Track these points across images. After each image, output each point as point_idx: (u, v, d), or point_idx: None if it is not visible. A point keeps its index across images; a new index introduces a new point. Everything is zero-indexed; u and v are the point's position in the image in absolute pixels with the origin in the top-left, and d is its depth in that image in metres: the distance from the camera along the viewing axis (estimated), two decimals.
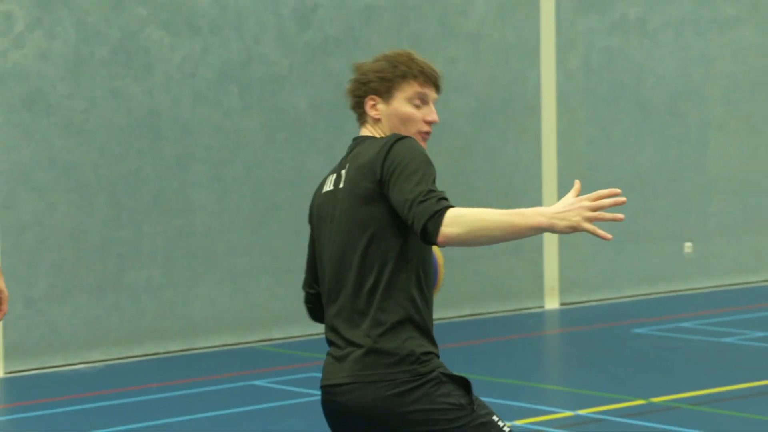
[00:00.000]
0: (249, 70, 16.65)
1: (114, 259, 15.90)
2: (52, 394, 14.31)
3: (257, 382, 14.58)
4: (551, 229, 5.55)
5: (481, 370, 14.88)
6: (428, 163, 5.79)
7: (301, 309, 15.46)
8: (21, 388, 14.93)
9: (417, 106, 6.11)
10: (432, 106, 6.14)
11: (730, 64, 20.33)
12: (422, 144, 6.09)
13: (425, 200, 5.58)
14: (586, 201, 5.51)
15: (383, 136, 6.12)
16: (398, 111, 6.07)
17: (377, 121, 6.13)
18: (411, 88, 6.09)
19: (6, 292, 8.09)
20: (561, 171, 18.69)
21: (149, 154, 16.14)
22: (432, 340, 5.94)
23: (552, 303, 19.18)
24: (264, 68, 16.64)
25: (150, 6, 15.98)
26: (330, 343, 5.93)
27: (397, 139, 5.85)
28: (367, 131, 6.17)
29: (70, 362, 15.56)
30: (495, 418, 5.90)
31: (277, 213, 17.13)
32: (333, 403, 5.87)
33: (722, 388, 13.78)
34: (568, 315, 19.40)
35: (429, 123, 6.11)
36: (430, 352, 5.86)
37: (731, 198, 20.41)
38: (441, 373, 5.81)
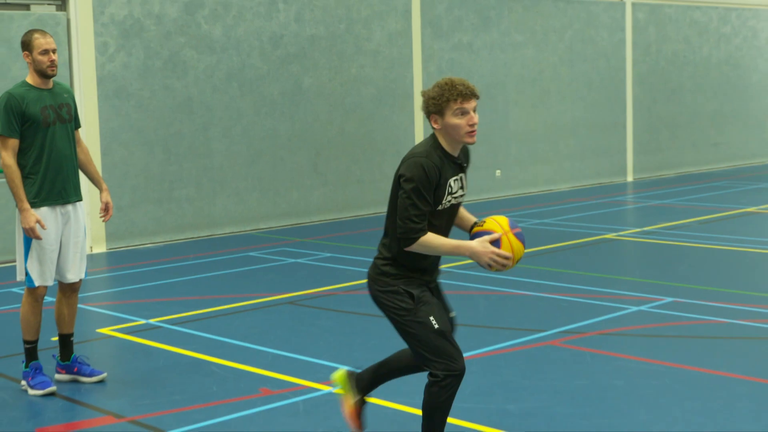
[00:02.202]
0: (243, 72, 17.47)
1: (167, 183, 16.61)
2: (135, 261, 14.86)
3: (252, 253, 15.11)
4: (471, 258, 6.09)
5: None
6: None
7: (276, 209, 16.61)
8: (117, 257, 15.31)
9: (461, 116, 6.16)
10: (472, 113, 6.17)
11: (519, 68, 21.89)
12: (472, 138, 6.17)
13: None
14: (493, 255, 6.04)
15: (445, 139, 6.23)
16: (449, 123, 6.17)
17: (439, 129, 6.24)
18: (454, 106, 6.15)
19: (112, 203, 8.38)
20: (426, 133, 19.67)
21: (186, 122, 16.75)
22: (409, 271, 6.27)
23: None
24: (252, 71, 17.56)
25: (186, 36, 16.71)
26: None
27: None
28: (437, 134, 6.29)
29: (143, 243, 16.33)
30: (431, 318, 6.19)
31: (262, 156, 17.71)
32: None
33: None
34: None
35: (471, 126, 6.17)
36: (399, 275, 6.24)
37: (522, 144, 22.03)
38: (401, 287, 6.25)
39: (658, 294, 11.61)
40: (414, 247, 6.12)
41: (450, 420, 7.20)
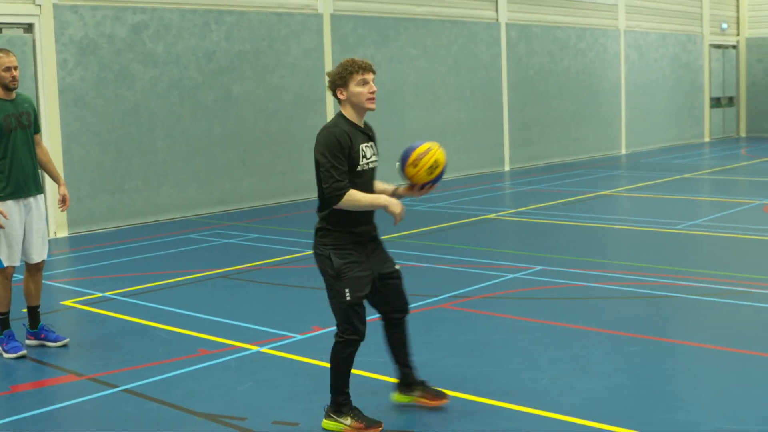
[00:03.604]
0: (182, 83, 17.28)
1: (119, 177, 16.34)
2: (92, 243, 14.56)
3: (191, 236, 14.96)
4: (386, 209, 6.13)
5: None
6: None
7: (211, 198, 16.65)
8: (77, 240, 15.00)
9: (363, 85, 6.17)
10: (371, 83, 6.19)
11: (414, 77, 21.92)
12: (372, 104, 6.15)
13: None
14: (403, 210, 6.16)
15: (350, 110, 6.20)
16: (353, 92, 6.16)
17: (345, 99, 6.21)
18: (357, 77, 6.18)
19: (68, 195, 8.84)
20: None
21: (134, 125, 16.47)
22: (342, 228, 6.22)
23: None
24: (190, 82, 17.37)
25: (134, 53, 16.45)
26: None
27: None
28: (342, 109, 6.26)
29: (99, 228, 16.00)
30: (345, 291, 6.19)
31: (199, 153, 17.47)
32: None
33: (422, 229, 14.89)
34: None
35: (371, 93, 6.19)
36: (333, 237, 6.23)
37: (417, 139, 22.44)
38: (331, 251, 6.22)
39: (530, 263, 11.77)
40: (341, 204, 6.08)
41: (357, 372, 7.29)
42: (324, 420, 6.44)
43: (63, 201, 8.77)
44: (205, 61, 17.83)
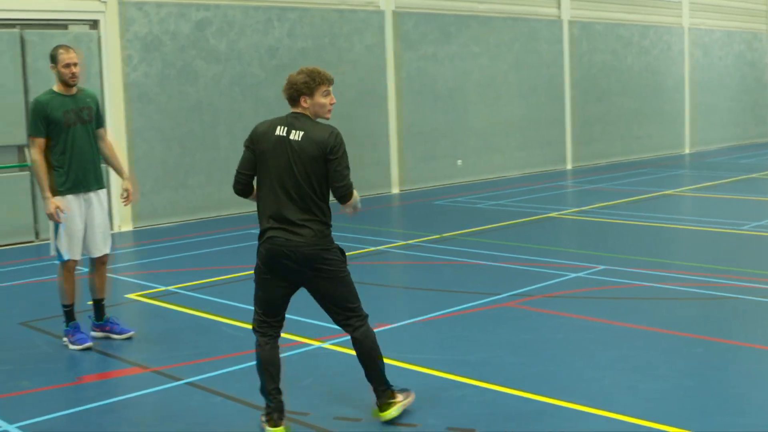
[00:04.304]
0: (244, 79, 17.50)
1: (182, 173, 16.52)
2: (156, 237, 14.68)
3: (253, 231, 15.58)
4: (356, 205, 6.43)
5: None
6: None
7: None
8: (141, 234, 15.18)
9: (326, 97, 6.32)
10: (332, 95, 6.35)
11: (476, 74, 21.93)
12: (329, 114, 6.32)
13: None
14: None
15: (309, 115, 6.27)
16: (318, 102, 6.25)
17: (307, 107, 6.25)
18: (323, 88, 6.29)
19: (132, 190, 8.77)
20: (399, 128, 20.19)
21: (197, 121, 16.67)
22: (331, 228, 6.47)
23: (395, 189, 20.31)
24: (252, 78, 17.57)
25: (197, 49, 16.71)
26: None
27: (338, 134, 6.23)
28: (299, 110, 6.26)
29: (163, 222, 16.24)
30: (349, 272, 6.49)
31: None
32: None
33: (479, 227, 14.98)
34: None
35: (332, 104, 6.35)
36: (331, 233, 6.44)
37: (479, 137, 22.05)
38: (336, 245, 6.47)
39: (593, 263, 11.70)
40: (349, 197, 6.33)
41: (417, 368, 7.42)
42: (383, 413, 6.45)
43: (126, 195, 8.84)
44: (268, 58, 17.94)
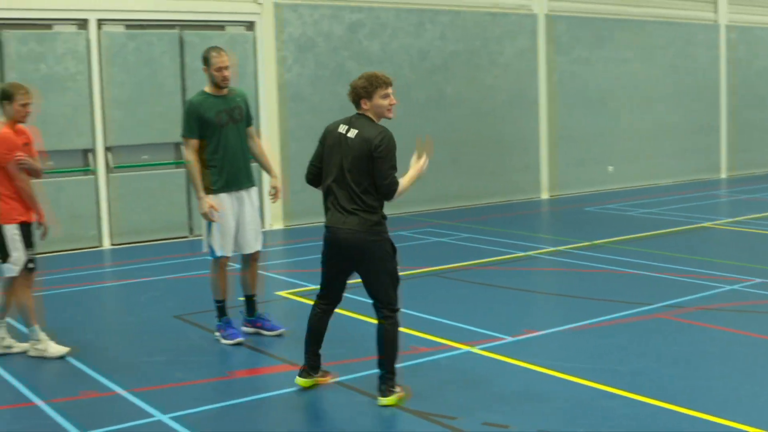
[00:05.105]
0: (396, 81, 18.48)
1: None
2: (307, 236, 14.85)
3: (403, 233, 14.98)
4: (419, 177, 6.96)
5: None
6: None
7: (422, 196, 16.46)
8: (292, 233, 15.51)
9: (384, 98, 6.85)
10: (391, 96, 6.88)
11: (628, 79, 21.52)
12: (391, 114, 6.91)
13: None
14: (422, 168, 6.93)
15: (372, 116, 6.88)
16: (377, 104, 6.83)
17: (367, 109, 6.86)
18: (381, 91, 6.84)
19: (280, 188, 8.88)
20: (549, 133, 20.05)
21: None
22: (384, 219, 6.90)
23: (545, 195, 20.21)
24: (403, 80, 17.40)
25: (349, 51, 16.96)
26: None
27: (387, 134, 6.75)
28: (362, 111, 6.90)
29: (313, 221, 16.13)
30: (397, 268, 6.96)
31: (411, 151, 19.11)
32: None
33: (644, 234, 14.94)
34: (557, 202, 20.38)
35: (391, 105, 6.89)
36: (383, 224, 6.88)
37: (630, 144, 21.64)
38: (386, 236, 6.89)
39: (749, 275, 11.34)
40: (395, 196, 6.81)
41: (567, 376, 7.32)
42: (382, 399, 6.90)
43: (275, 192, 8.98)
44: (419, 60, 17.99)
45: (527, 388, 7.24)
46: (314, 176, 7.23)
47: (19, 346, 8.67)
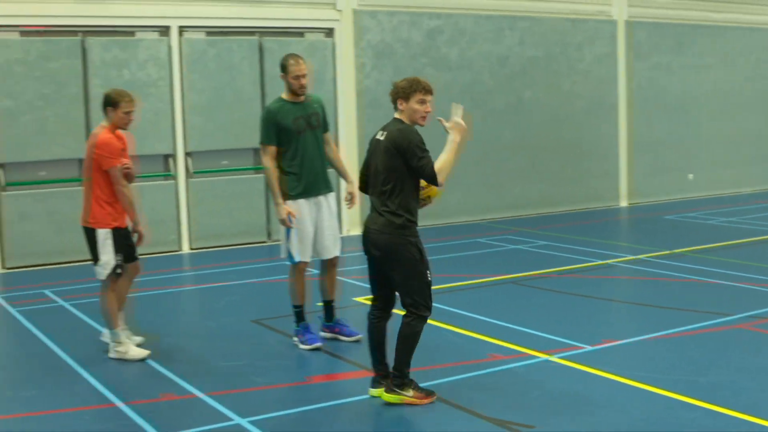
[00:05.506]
0: (474, 87, 17.57)
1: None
2: None
3: (480, 240, 15.11)
4: (459, 144, 6.96)
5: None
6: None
7: (500, 203, 16.55)
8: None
9: (420, 104, 6.98)
10: (428, 104, 6.99)
11: (709, 85, 21.25)
12: (424, 121, 7.00)
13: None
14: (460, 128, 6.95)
15: (405, 119, 7.00)
16: (412, 107, 6.97)
17: (402, 111, 7.01)
18: (418, 96, 6.98)
19: (356, 193, 8.84)
20: (629, 140, 19.84)
21: (427, 129, 18.24)
22: (415, 226, 7.01)
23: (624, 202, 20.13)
24: (482, 87, 17.64)
25: (428, 57, 17.01)
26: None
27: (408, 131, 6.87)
28: (397, 114, 7.07)
29: None
30: (428, 272, 7.00)
31: (489, 157, 17.64)
32: None
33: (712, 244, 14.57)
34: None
35: (426, 112, 6.99)
36: (411, 227, 6.97)
37: (711, 151, 21.33)
38: (416, 239, 6.97)
39: None
40: (443, 177, 6.87)
41: (645, 386, 7.24)
42: (386, 393, 7.11)
43: (351, 198, 8.99)
44: (498, 67, 17.95)
45: (606, 397, 7.17)
46: (363, 183, 7.41)
47: (133, 341, 8.93)
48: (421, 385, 7.24)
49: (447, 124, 7.06)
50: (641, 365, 7.97)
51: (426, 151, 6.89)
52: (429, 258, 7.12)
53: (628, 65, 19.72)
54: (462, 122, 7.03)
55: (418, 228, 7.06)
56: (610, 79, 19.54)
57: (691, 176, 21.08)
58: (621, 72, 19.64)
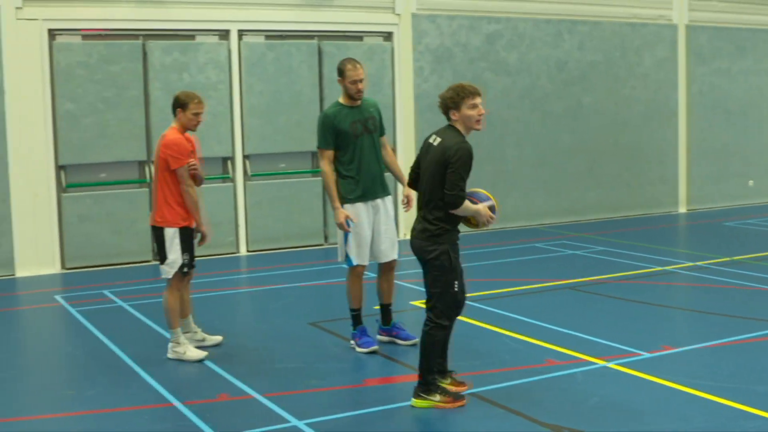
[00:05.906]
0: (533, 92, 17.52)
1: (468, 183, 18.08)
2: None
3: (537, 245, 15.06)
4: (474, 216, 6.92)
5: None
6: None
7: (557, 207, 16.27)
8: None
9: (473, 109, 6.89)
10: (480, 106, 6.90)
11: None
12: (479, 126, 6.94)
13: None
14: (490, 217, 6.92)
15: (461, 127, 6.93)
16: (465, 114, 6.88)
17: (456, 120, 6.93)
18: (468, 101, 6.87)
19: (413, 196, 8.95)
20: (688, 145, 19.58)
21: (485, 133, 17.80)
22: (454, 233, 7.04)
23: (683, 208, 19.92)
24: (540, 91, 17.57)
25: (487, 62, 16.97)
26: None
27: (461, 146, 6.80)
28: (451, 122, 6.98)
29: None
30: (456, 282, 7.04)
31: (547, 161, 17.68)
32: None
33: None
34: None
35: (480, 115, 6.91)
36: (446, 235, 6.99)
37: None
38: (448, 247, 6.98)
39: None
40: (458, 210, 6.84)
41: (705, 395, 7.17)
42: (414, 399, 7.14)
43: (407, 201, 8.91)
44: (557, 71, 17.85)
45: (664, 405, 7.09)
46: (412, 180, 7.49)
47: (211, 339, 9.13)
48: (476, 390, 7.19)
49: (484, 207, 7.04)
50: (700, 373, 7.87)
51: (465, 173, 6.86)
52: (467, 265, 7.17)
53: (689, 70, 19.51)
54: (489, 212, 7.01)
55: (460, 234, 7.10)
56: (669, 84, 19.34)
57: (751, 182, 20.77)
58: (681, 77, 19.44)
